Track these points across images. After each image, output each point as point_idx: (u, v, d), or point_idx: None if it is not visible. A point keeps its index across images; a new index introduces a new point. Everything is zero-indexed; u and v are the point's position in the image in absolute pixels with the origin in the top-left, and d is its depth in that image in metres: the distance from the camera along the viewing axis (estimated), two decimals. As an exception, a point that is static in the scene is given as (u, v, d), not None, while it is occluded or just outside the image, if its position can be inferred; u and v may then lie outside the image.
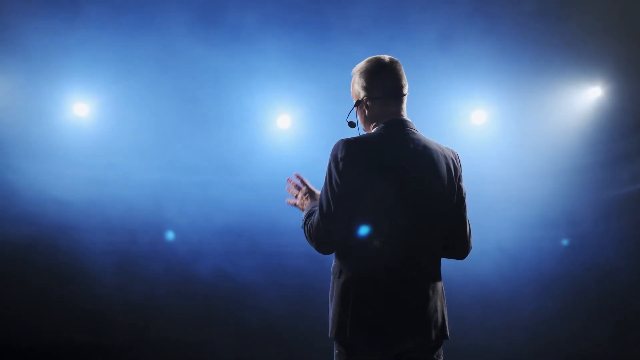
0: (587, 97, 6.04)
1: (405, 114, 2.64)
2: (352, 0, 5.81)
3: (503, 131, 6.13)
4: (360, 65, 2.66)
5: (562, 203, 6.12)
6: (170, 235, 6.28)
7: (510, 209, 6.11)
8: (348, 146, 2.47)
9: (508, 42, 5.85)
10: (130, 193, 6.09)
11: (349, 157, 2.45)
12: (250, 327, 6.21)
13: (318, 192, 2.73)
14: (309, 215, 2.59)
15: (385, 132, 2.56)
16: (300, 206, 2.78)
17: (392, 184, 2.45)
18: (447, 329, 2.55)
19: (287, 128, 6.16)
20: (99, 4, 5.68)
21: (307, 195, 2.76)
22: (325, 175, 2.50)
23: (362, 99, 2.63)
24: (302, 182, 2.81)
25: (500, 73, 5.91)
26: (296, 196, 2.81)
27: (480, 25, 5.79)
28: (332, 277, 2.54)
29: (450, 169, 2.59)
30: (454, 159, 2.64)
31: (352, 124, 2.69)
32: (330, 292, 2.53)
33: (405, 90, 2.64)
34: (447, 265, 6.27)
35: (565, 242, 6.25)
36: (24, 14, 5.59)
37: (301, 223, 2.63)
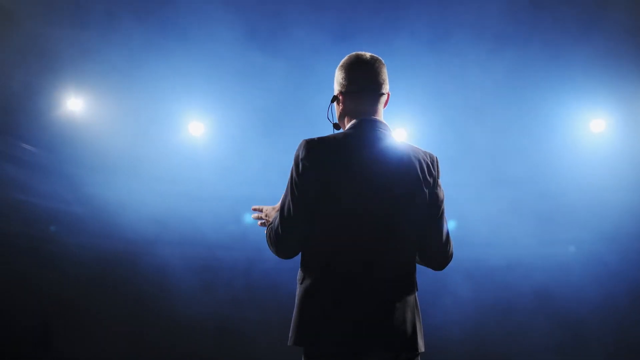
0: None
1: (380, 115, 2.52)
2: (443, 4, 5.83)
3: (619, 140, 6.04)
4: (341, 61, 2.57)
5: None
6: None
7: (610, 218, 6.03)
8: (309, 147, 2.39)
9: (632, 50, 5.78)
10: (215, 208, 6.21)
11: (309, 158, 2.38)
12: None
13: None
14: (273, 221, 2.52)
15: (353, 132, 2.46)
16: (267, 220, 2.65)
17: (353, 187, 2.36)
18: (420, 342, 2.39)
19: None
20: (204, 25, 5.95)
21: (266, 213, 2.63)
22: (288, 176, 2.45)
23: (337, 94, 2.55)
24: (260, 210, 2.68)
25: (623, 80, 5.83)
26: (262, 218, 2.67)
27: (601, 33, 5.75)
28: (297, 283, 2.46)
29: (424, 174, 2.45)
30: (429, 163, 2.48)
31: (336, 126, 2.59)
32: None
33: (383, 89, 2.52)
34: (540, 276, 6.15)
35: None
36: (146, 42, 5.91)
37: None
